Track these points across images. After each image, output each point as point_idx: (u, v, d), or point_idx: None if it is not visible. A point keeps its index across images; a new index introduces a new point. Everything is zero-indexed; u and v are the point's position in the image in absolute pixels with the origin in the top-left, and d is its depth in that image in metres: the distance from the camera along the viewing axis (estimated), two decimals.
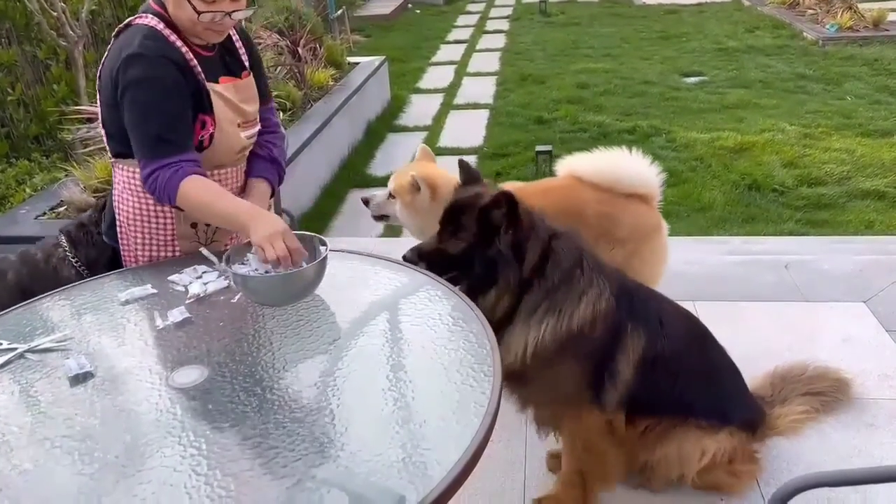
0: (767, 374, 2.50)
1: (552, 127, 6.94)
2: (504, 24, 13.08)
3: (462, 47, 11.29)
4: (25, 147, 5.71)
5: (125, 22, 1.95)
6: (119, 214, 2.10)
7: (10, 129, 5.74)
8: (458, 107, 8.05)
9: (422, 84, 9.16)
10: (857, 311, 3.24)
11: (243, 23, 2.22)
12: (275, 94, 5.24)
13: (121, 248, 2.14)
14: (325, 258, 1.76)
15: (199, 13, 1.84)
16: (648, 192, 2.79)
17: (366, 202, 2.98)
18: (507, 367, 1.90)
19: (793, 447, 2.41)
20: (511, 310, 1.91)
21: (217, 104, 1.98)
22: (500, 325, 1.92)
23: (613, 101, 7.66)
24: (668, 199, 5.01)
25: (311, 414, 1.39)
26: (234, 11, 1.88)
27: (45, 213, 4.32)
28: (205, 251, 2.00)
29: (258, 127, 2.17)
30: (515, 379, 1.98)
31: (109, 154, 2.08)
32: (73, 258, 2.25)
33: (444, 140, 6.93)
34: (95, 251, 2.26)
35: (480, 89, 8.62)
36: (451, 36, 12.32)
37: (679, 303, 2.21)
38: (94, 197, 4.43)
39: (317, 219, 5.13)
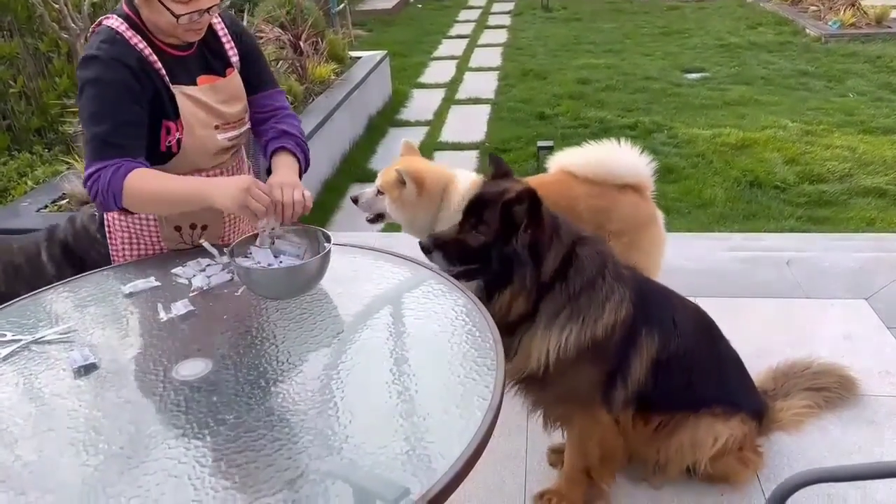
0: (770, 369, 2.52)
1: (553, 122, 6.94)
2: (506, 20, 13.05)
3: (464, 42, 11.27)
4: (27, 140, 5.70)
5: (97, 21, 1.92)
6: (106, 214, 2.09)
7: (11, 122, 5.74)
8: (460, 102, 8.04)
9: (423, 79, 9.14)
10: (858, 308, 3.25)
11: (245, 17, 2.18)
12: None
13: (109, 247, 2.13)
14: (329, 252, 1.76)
15: (178, 17, 1.79)
16: (640, 182, 2.80)
17: (355, 200, 2.97)
18: (528, 373, 1.92)
19: (793, 443, 2.41)
20: (528, 312, 1.91)
21: (186, 108, 1.91)
22: (516, 326, 1.92)
23: (615, 97, 7.66)
24: (669, 196, 5.04)
25: (315, 406, 1.40)
26: (210, 7, 1.82)
27: (46, 206, 4.32)
28: (206, 244, 2.01)
29: (245, 127, 2.09)
30: (534, 383, 1.99)
31: None
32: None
33: (446, 135, 6.92)
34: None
35: (482, 84, 8.61)
36: (453, 31, 12.29)
37: None
38: None
39: (318, 213, 5.13)
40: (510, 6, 14.32)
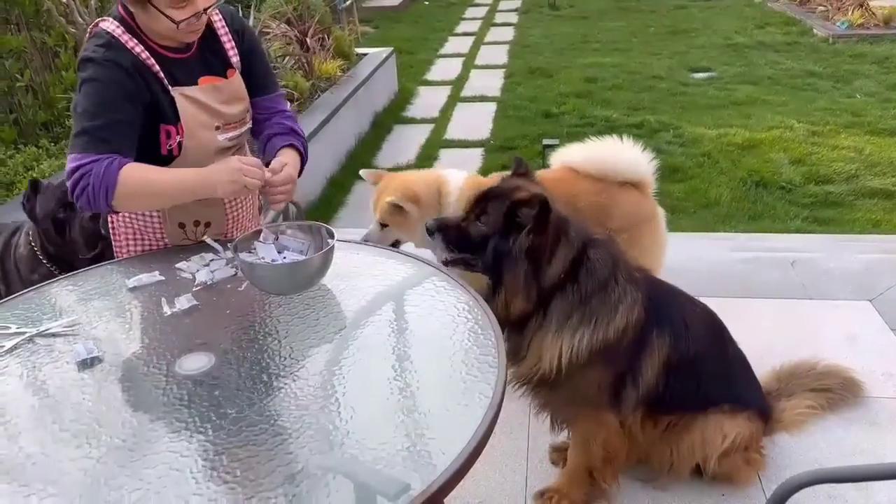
0: (774, 369, 2.52)
1: (560, 121, 6.93)
2: (513, 17, 13.04)
3: (470, 40, 11.26)
4: (33, 133, 5.72)
5: (94, 23, 1.91)
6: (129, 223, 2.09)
7: (18, 116, 5.75)
8: (466, 99, 8.04)
9: (429, 76, 9.15)
10: (862, 310, 3.24)
11: (251, 13, 2.17)
12: (282, 84, 5.24)
13: (112, 242, 2.14)
14: (332, 248, 1.76)
15: (177, 23, 1.78)
16: (641, 179, 2.79)
17: (366, 240, 2.86)
18: (539, 375, 1.92)
19: (795, 443, 2.41)
20: (530, 311, 1.91)
21: (187, 110, 1.90)
22: (523, 325, 1.93)
23: (621, 96, 7.65)
24: (674, 195, 5.04)
25: (317, 402, 1.40)
26: (207, 7, 1.81)
27: None
28: (209, 240, 2.02)
29: (246, 126, 2.08)
30: (544, 385, 1.99)
31: None
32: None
33: (451, 132, 6.93)
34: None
35: (488, 82, 8.61)
36: (460, 28, 12.29)
37: None
38: None
39: (323, 209, 5.14)
40: (517, 4, 14.31)
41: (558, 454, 2.40)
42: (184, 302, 1.74)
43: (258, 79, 2.09)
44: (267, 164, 2.00)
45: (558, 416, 2.16)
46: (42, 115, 5.85)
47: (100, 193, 1.72)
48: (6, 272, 2.61)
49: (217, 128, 1.98)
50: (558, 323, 1.90)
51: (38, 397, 1.46)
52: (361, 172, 2.87)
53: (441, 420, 1.35)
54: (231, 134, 2.03)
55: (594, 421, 2.07)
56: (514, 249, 1.85)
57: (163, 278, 1.88)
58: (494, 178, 2.65)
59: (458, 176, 2.76)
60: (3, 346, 1.60)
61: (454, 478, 1.21)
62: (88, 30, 1.92)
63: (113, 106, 1.79)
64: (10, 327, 1.68)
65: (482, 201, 1.93)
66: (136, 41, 1.84)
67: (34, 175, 4.92)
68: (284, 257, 1.80)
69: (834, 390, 2.49)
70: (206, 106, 1.94)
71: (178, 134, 1.91)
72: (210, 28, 1.97)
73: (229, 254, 1.93)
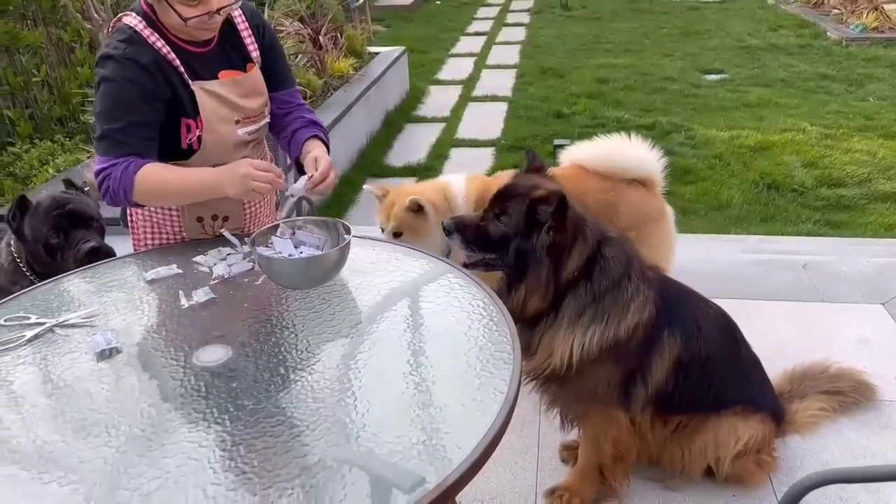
0: (786, 371, 2.51)
1: (571, 121, 6.93)
2: (525, 18, 13.03)
3: (482, 39, 11.26)
4: (49, 128, 5.77)
5: (117, 17, 1.93)
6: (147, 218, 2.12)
7: (34, 111, 5.80)
8: (477, 99, 8.04)
9: (441, 75, 9.15)
10: (874, 314, 3.23)
11: (265, 10, 2.16)
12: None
13: (131, 236, 2.17)
14: (349, 243, 1.78)
15: (185, 19, 1.80)
16: (649, 177, 2.79)
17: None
18: (549, 371, 1.93)
19: (806, 445, 2.41)
20: (544, 309, 1.92)
21: (206, 104, 1.92)
22: (535, 322, 1.94)
23: (633, 97, 7.63)
24: (686, 197, 5.03)
25: (333, 395, 1.41)
26: (221, 8, 1.82)
27: None
28: (227, 234, 2.04)
29: (265, 120, 2.10)
30: (554, 381, 2.00)
31: None
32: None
33: (462, 132, 6.93)
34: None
35: (499, 82, 8.61)
36: (471, 28, 12.29)
37: None
38: None
39: (334, 207, 5.15)
40: (529, 4, 14.30)
41: (569, 452, 2.40)
42: (201, 295, 1.76)
43: (277, 74, 2.11)
44: (297, 161, 2.05)
45: (568, 413, 2.17)
46: (57, 111, 5.91)
47: (119, 194, 1.83)
48: None
49: (237, 122, 2.00)
50: (570, 319, 1.91)
51: (58, 387, 1.47)
52: (366, 187, 2.87)
53: (456, 415, 1.36)
54: (250, 128, 2.04)
55: (604, 418, 2.08)
56: (537, 248, 1.85)
57: (180, 271, 1.90)
58: (500, 178, 2.66)
59: (458, 179, 2.78)
60: (24, 336, 1.62)
61: (469, 472, 1.22)
62: (111, 24, 1.94)
63: (130, 107, 1.82)
64: (30, 317, 1.70)
65: (501, 200, 1.93)
66: (157, 35, 1.86)
67: (49, 169, 4.96)
68: (301, 252, 1.82)
69: (846, 393, 2.48)
70: (226, 100, 1.96)
71: (197, 128, 1.93)
72: (230, 23, 1.99)
73: (246, 248, 1.95)
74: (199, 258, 1.95)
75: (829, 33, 10.02)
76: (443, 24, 12.53)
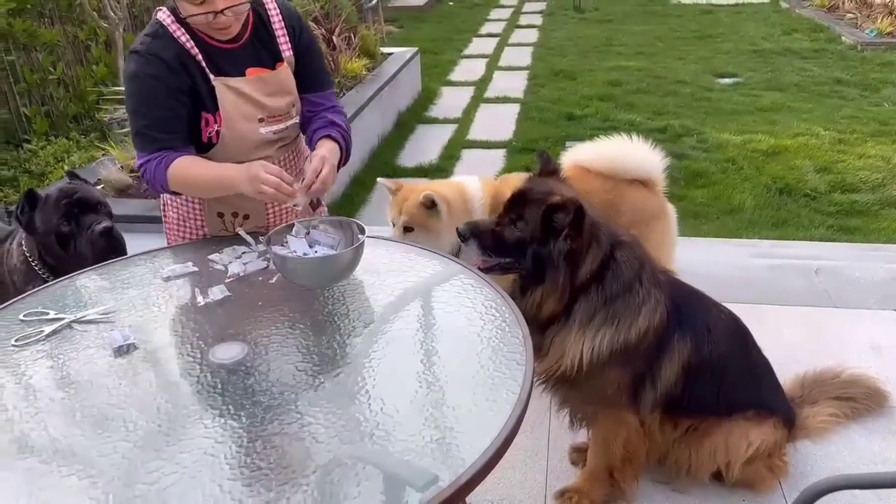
0: (798, 376, 2.51)
1: (582, 123, 6.92)
2: (537, 19, 13.03)
3: (494, 41, 11.27)
4: (64, 126, 5.83)
5: (155, 10, 1.97)
6: (163, 195, 2.17)
7: (50, 108, 5.86)
8: (489, 100, 8.04)
9: (453, 76, 9.16)
10: (887, 320, 3.21)
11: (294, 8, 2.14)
12: None
13: (164, 225, 2.23)
14: (363, 243, 1.79)
15: (186, 15, 1.83)
16: (650, 177, 2.81)
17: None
18: (560, 373, 1.94)
19: (817, 451, 2.41)
20: (559, 312, 1.93)
21: (227, 99, 1.94)
22: (547, 325, 1.95)
23: (645, 100, 7.62)
24: (697, 200, 5.02)
25: (347, 393, 1.43)
26: (227, 8, 1.81)
27: None
28: (242, 232, 2.06)
29: (293, 120, 2.09)
30: (564, 383, 2.01)
31: None
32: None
33: (474, 133, 6.94)
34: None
35: (511, 83, 8.61)
36: (484, 29, 12.29)
37: None
38: (131, 176, 4.52)
39: (346, 207, 5.18)
40: (542, 6, 14.29)
41: (578, 454, 2.41)
42: (217, 293, 1.78)
43: (311, 76, 2.11)
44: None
45: (578, 414, 2.18)
46: (73, 108, 5.96)
47: (157, 187, 1.97)
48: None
49: (261, 120, 2.01)
50: (581, 322, 1.92)
51: (76, 382, 1.50)
52: (380, 181, 2.88)
53: (469, 415, 1.37)
54: (275, 127, 2.05)
55: (614, 420, 2.08)
56: (554, 254, 1.86)
57: (196, 269, 1.92)
58: (510, 180, 2.67)
59: (474, 180, 2.78)
60: (43, 331, 1.65)
61: (482, 471, 1.23)
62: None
63: (155, 102, 1.88)
64: (48, 313, 1.73)
65: (517, 205, 1.94)
66: (183, 30, 1.89)
67: (64, 166, 5.01)
68: (316, 251, 1.83)
69: (858, 399, 2.47)
70: (250, 97, 1.97)
71: (216, 122, 1.96)
72: (262, 20, 2.00)
73: (261, 247, 1.96)
74: (214, 256, 1.97)
75: (843, 38, 9.96)
76: (455, 26, 12.54)
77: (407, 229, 2.68)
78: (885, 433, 2.50)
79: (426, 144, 6.66)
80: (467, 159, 6.27)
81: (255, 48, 2.00)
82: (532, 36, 11.54)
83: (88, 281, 1.94)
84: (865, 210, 4.92)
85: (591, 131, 6.59)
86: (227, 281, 1.86)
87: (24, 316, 1.72)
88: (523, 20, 13.08)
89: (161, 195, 2.17)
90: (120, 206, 3.83)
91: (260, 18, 2.00)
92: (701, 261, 3.60)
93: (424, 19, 13.15)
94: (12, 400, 1.44)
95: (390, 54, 7.80)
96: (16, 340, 1.62)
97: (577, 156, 2.86)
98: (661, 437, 2.13)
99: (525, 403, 1.38)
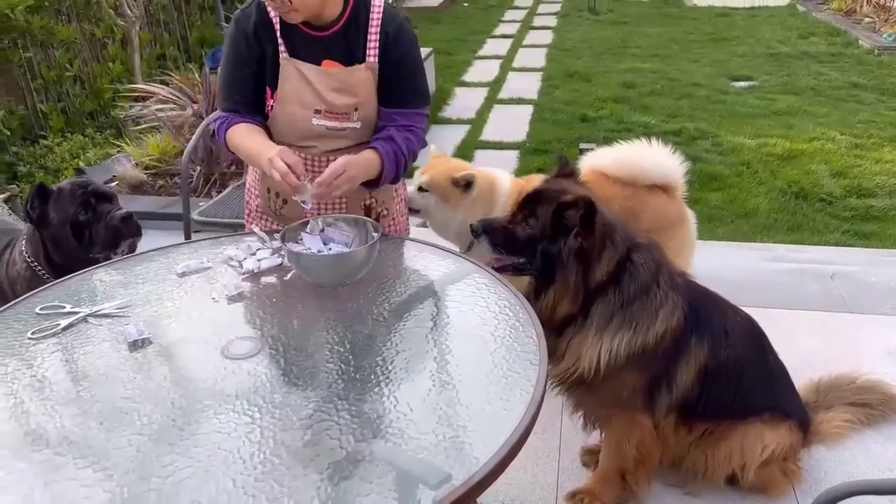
0: (813, 381, 2.49)
1: (596, 125, 6.90)
2: (551, 21, 13.00)
3: (508, 42, 11.25)
4: (80, 122, 5.87)
5: None
6: (248, 176, 2.35)
7: (66, 105, 5.90)
8: (503, 101, 8.03)
9: (467, 77, 9.15)
10: None
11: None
12: None
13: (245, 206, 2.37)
14: (377, 242, 1.80)
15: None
16: (670, 182, 2.78)
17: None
18: (576, 376, 1.93)
19: (831, 456, 2.39)
20: (574, 314, 1.92)
21: (289, 81, 1.97)
22: (563, 327, 1.94)
23: (660, 102, 7.58)
24: (712, 204, 4.99)
25: (361, 390, 1.43)
26: None
27: None
28: (257, 230, 2.07)
29: (351, 123, 2.04)
30: (580, 385, 2.00)
31: None
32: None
33: (488, 134, 6.93)
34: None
35: (525, 84, 8.59)
36: (498, 30, 12.28)
37: None
38: (146, 173, 4.55)
39: None
40: (556, 7, 14.26)
41: (590, 456, 2.40)
42: (231, 289, 1.78)
43: (394, 90, 2.04)
44: None
45: (592, 416, 2.17)
46: (89, 105, 6.01)
47: (222, 145, 2.12)
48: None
49: (317, 111, 2.01)
50: (598, 325, 1.91)
51: (90, 375, 1.50)
52: (431, 151, 2.90)
53: (482, 414, 1.37)
54: (330, 123, 2.03)
55: (628, 423, 2.07)
56: (564, 252, 1.86)
57: (211, 265, 1.93)
58: (533, 181, 2.66)
59: (506, 175, 2.79)
60: (59, 325, 1.66)
61: (495, 471, 1.22)
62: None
63: (235, 66, 2.03)
64: (64, 307, 1.74)
65: (530, 203, 1.94)
66: None
67: (80, 163, 5.05)
68: (330, 249, 1.84)
69: (874, 406, 2.45)
70: (313, 87, 1.99)
71: (271, 98, 2.02)
72: (357, 18, 1.99)
73: (276, 243, 1.97)
74: (229, 252, 1.98)
75: (860, 42, 9.88)
76: (470, 26, 12.54)
77: (422, 190, 2.70)
78: None
79: (439, 145, 6.57)
80: (480, 160, 6.26)
81: (341, 42, 1.98)
82: (546, 37, 11.51)
83: (104, 275, 1.95)
84: (881, 215, 4.87)
85: (605, 133, 6.57)
86: (241, 277, 1.86)
87: (40, 309, 1.74)
88: (537, 21, 13.05)
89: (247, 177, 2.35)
90: (134, 203, 3.86)
91: (359, 15, 1.98)
92: (715, 264, 3.58)
93: (439, 20, 13.15)
94: (28, 392, 1.45)
95: None
96: (32, 333, 1.63)
97: (595, 161, 2.84)
98: (676, 441, 2.12)
99: (539, 403, 1.38)
